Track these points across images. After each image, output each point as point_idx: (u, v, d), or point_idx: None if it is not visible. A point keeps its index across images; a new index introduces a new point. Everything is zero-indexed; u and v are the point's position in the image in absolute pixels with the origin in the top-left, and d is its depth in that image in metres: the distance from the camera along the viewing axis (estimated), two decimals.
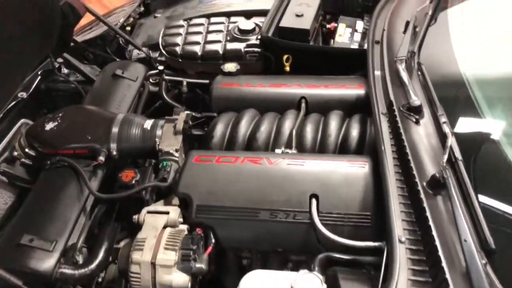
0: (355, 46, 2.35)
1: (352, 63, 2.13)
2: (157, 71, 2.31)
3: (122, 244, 1.69)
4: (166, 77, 2.32)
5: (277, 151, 1.70)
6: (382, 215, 1.48)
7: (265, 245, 1.57)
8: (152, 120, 1.85)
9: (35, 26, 1.94)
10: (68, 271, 1.49)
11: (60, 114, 1.86)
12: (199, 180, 1.61)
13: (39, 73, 2.34)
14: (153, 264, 1.43)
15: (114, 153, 1.77)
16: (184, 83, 2.32)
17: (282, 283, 1.28)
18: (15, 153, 1.84)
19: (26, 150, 1.81)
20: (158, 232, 1.50)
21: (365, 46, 2.20)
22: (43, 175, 1.76)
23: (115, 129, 1.78)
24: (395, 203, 1.37)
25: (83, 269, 1.52)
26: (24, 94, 2.21)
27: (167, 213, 1.56)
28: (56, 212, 1.60)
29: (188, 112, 1.88)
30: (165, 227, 1.53)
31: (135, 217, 1.57)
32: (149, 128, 1.81)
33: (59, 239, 1.52)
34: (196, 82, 2.34)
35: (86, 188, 1.67)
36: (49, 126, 1.81)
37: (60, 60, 2.40)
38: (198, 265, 1.47)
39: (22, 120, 2.02)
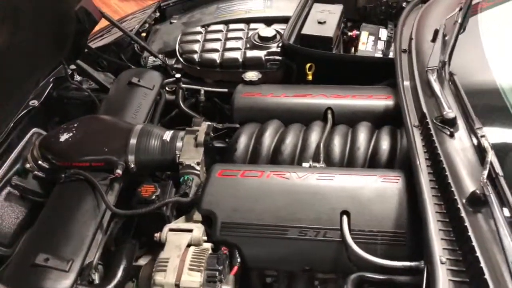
0: (379, 54, 2.28)
1: (378, 73, 2.06)
2: (174, 79, 2.24)
3: (140, 261, 1.62)
4: (183, 85, 2.25)
5: (305, 164, 1.63)
6: (417, 233, 1.41)
7: (294, 264, 1.49)
8: (172, 131, 1.79)
9: (50, 31, 1.88)
10: None
11: (75, 125, 1.79)
12: (223, 196, 1.53)
13: (50, 80, 2.27)
14: (177, 286, 1.35)
15: (132, 165, 1.70)
16: (202, 92, 2.24)
17: None
18: (28, 165, 1.77)
19: (39, 162, 1.75)
20: (182, 252, 1.43)
21: (390, 55, 2.14)
22: (57, 189, 1.69)
23: (133, 141, 1.71)
24: (433, 221, 1.29)
25: None
26: (35, 102, 2.14)
27: (190, 231, 1.48)
28: (72, 229, 1.52)
29: (209, 123, 1.81)
30: (188, 245, 1.46)
31: (157, 235, 1.50)
32: (168, 139, 1.74)
33: (76, 258, 1.45)
34: (214, 90, 2.27)
35: (102, 203, 1.60)
36: (63, 137, 1.74)
37: (72, 67, 2.33)
38: (224, 287, 1.39)
39: (34, 130, 1.96)
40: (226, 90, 2.23)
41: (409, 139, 1.55)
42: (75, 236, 1.51)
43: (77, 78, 2.39)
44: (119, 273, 1.51)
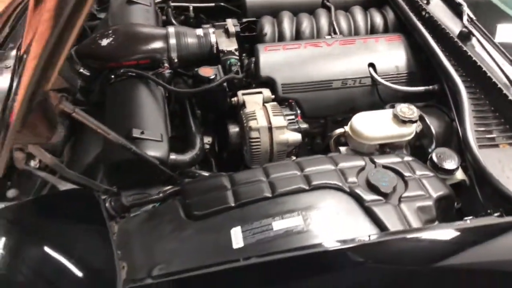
0: None
1: None
2: None
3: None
4: (172, 4, 2.45)
5: (327, 37, 2.03)
6: (425, 70, 1.91)
7: (340, 109, 1.90)
8: (200, 29, 2.03)
9: None
10: (180, 157, 1.65)
11: (110, 31, 1.93)
12: (276, 64, 1.88)
13: None
14: (269, 128, 1.69)
15: (176, 60, 1.92)
16: (191, 8, 2.47)
17: (385, 113, 1.65)
18: None
19: (80, 70, 1.88)
20: (261, 106, 1.76)
21: None
22: (111, 89, 1.82)
23: (172, 40, 1.93)
24: (440, 51, 1.80)
25: (191, 154, 1.69)
26: None
27: (259, 92, 1.81)
28: (146, 115, 1.69)
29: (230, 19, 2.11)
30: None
31: (234, 99, 1.81)
32: (202, 35, 2.00)
33: (162, 132, 1.64)
34: (202, 6, 2.51)
35: (159, 93, 1.81)
36: (104, 42, 1.88)
37: None
38: (303, 126, 1.76)
39: None
40: (213, 4, 2.49)
41: (401, 8, 2.05)
42: (153, 120, 1.69)
43: None
44: (198, 139, 1.76)
